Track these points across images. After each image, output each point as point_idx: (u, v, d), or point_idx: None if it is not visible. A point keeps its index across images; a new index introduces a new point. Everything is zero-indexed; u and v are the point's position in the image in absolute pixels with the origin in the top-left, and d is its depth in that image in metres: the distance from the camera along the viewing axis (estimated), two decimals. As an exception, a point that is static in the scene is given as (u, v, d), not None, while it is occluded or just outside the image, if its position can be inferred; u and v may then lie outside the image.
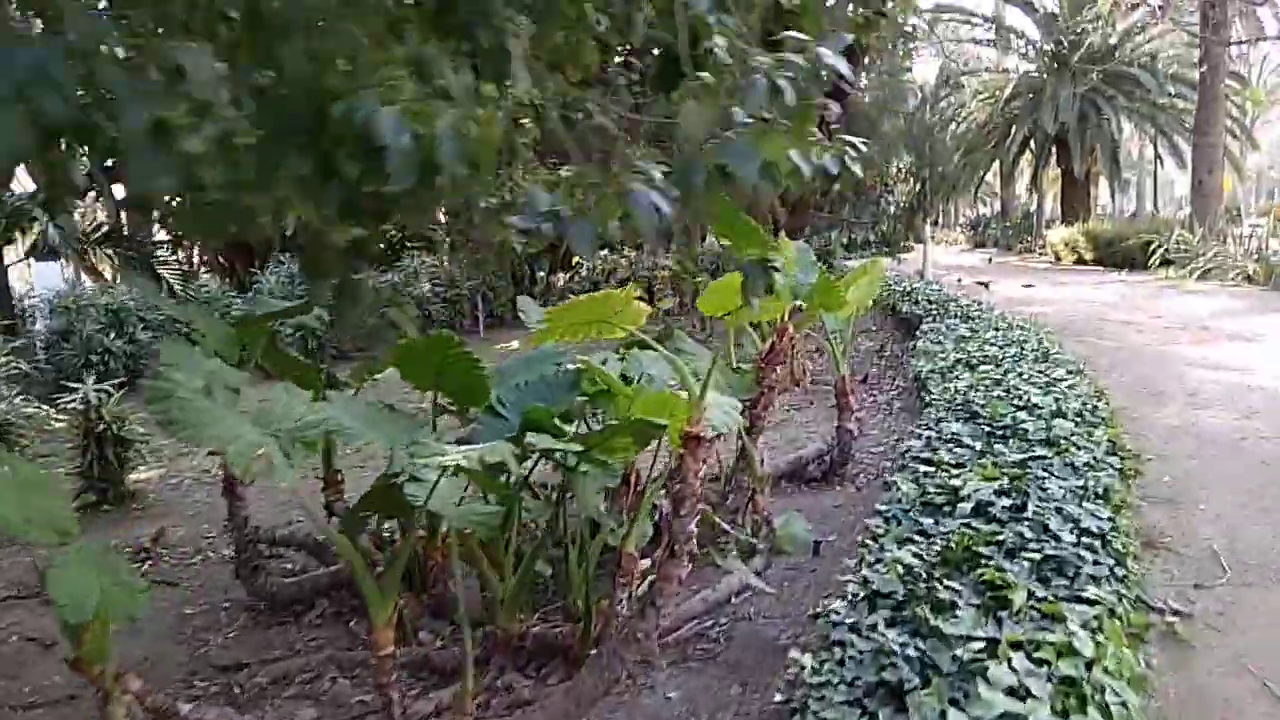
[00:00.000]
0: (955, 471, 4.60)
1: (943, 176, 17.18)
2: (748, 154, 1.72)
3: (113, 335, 14.71)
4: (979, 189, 37.23)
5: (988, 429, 5.39)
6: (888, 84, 14.52)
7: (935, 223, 49.11)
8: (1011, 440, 5.04)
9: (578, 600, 4.36)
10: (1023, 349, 8.08)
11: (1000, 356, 7.82)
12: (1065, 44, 30.38)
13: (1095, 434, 5.19)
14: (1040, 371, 6.97)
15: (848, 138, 2.37)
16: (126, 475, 8.29)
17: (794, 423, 9.22)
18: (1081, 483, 4.21)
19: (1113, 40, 30.21)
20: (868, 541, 3.98)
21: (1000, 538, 3.59)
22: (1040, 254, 30.54)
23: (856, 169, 2.43)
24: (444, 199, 1.25)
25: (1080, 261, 25.84)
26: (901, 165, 19.61)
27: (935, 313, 12.34)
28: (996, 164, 35.32)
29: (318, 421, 3.26)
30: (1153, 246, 21.27)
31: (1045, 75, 30.92)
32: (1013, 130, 31.60)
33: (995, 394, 6.21)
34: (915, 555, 3.62)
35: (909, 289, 15.60)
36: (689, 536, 3.40)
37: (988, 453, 4.88)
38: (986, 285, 19.43)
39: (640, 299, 4.12)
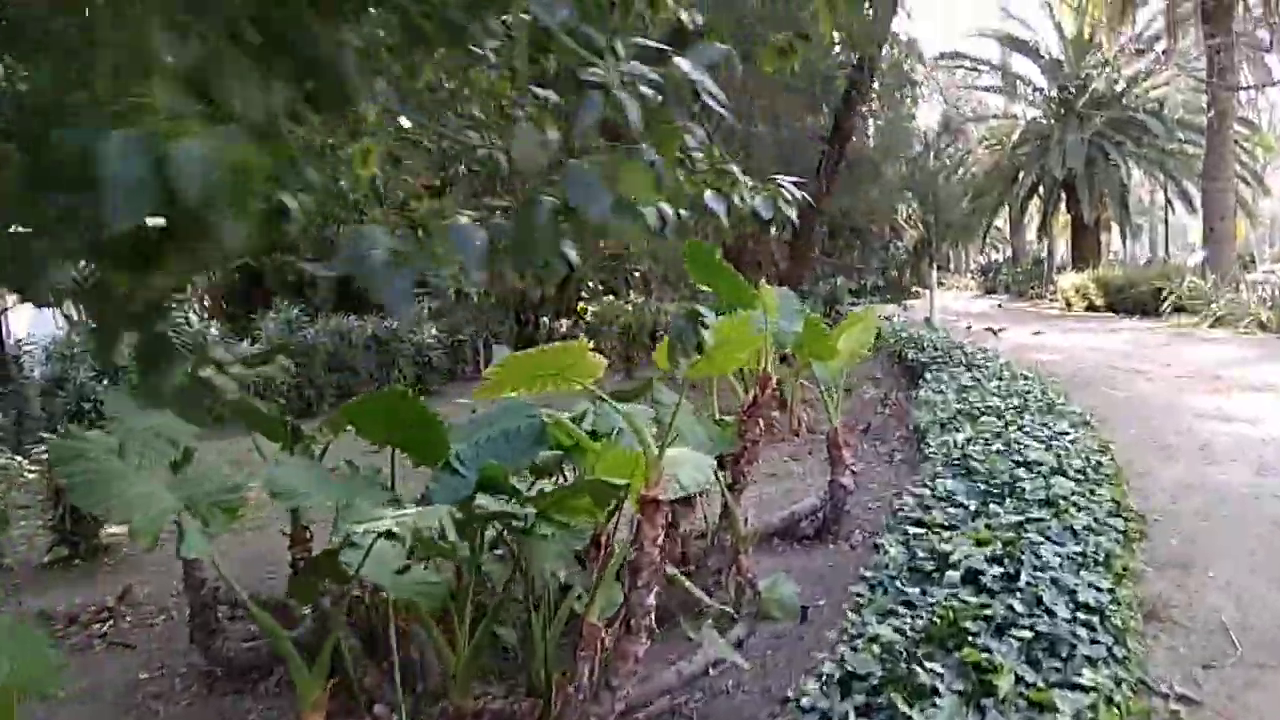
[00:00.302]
0: (947, 534, 4.31)
1: (948, 223, 17.00)
2: (594, 187, 1.46)
3: (106, 382, 14.54)
4: (987, 235, 37.07)
5: (984, 486, 5.10)
6: (890, 129, 14.39)
7: (945, 268, 48.99)
8: (1008, 500, 4.76)
9: (540, 672, 4.07)
10: (1026, 400, 7.80)
11: (1003, 408, 7.54)
12: (1071, 90, 30.36)
13: (1098, 493, 4.90)
14: (1043, 424, 6.69)
15: (782, 179, 2.13)
16: (100, 529, 8.04)
17: (792, 475, 8.92)
18: (1080, 548, 3.92)
19: (1119, 86, 30.18)
20: (849, 614, 3.69)
21: (989, 612, 3.29)
22: (1051, 300, 30.25)
23: (791, 213, 2.19)
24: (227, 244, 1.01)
25: (1091, 308, 25.52)
26: (908, 211, 19.49)
27: (940, 360, 12.09)
28: (1006, 210, 35.19)
29: (241, 485, 3.01)
30: (1164, 293, 20.97)
31: (1052, 121, 30.88)
32: (1020, 176, 31.49)
33: (995, 448, 5.92)
34: (897, 630, 3.33)
35: (915, 335, 15.35)
36: (647, 610, 3.13)
37: (982, 513, 4.59)
38: (995, 332, 19.15)
39: (595, 352, 3.86)
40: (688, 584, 4.04)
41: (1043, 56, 31.16)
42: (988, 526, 4.31)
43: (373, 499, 4.08)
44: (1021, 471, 5.19)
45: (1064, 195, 31.26)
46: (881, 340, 18.00)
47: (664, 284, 18.63)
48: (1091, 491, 4.91)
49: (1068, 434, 6.34)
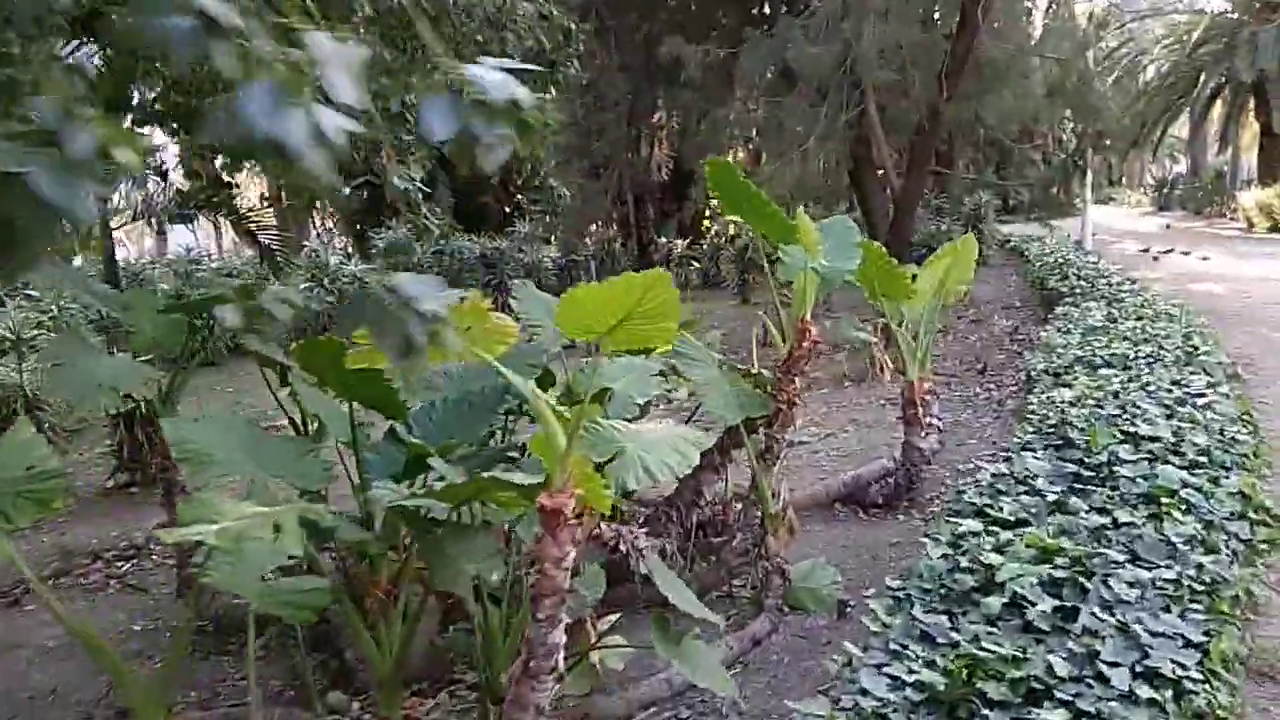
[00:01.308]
0: (1008, 535, 3.41)
1: (1104, 133, 15.07)
2: None
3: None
4: (1160, 146, 33.53)
5: (1075, 467, 4.12)
6: (1030, 25, 12.64)
7: (1114, 183, 44.93)
8: (1098, 490, 3.78)
9: (497, 677, 3.45)
10: (1162, 346, 6.58)
11: (1131, 356, 6.36)
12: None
13: (1222, 483, 3.85)
14: (1175, 381, 5.53)
15: (484, 66, 1.29)
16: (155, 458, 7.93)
17: (883, 423, 7.97)
18: (1175, 573, 2.96)
19: (1329, -27, 26.26)
20: (847, 646, 2.90)
21: (1020, 671, 2.44)
22: (1231, 219, 27.18)
23: (492, 133, 1.36)
24: None
25: (1276, 229, 22.72)
26: (1061, 119, 17.48)
27: (1080, 291, 10.72)
28: (1186, 117, 31.67)
29: (56, 470, 2.45)
30: (1366, 213, 18.29)
31: (1242, 16, 27.25)
32: (1202, 78, 28.07)
33: (1105, 412, 4.87)
34: (894, 684, 2.53)
35: (1060, 261, 13.81)
36: (550, 650, 2.43)
37: (1060, 508, 3.65)
38: (1156, 257, 17.19)
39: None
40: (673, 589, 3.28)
41: (1235, -61, 27.38)
42: (1061, 530, 3.39)
43: (302, 473, 3.52)
44: (1126, 449, 4.17)
45: (1253, 100, 27.75)
46: (1026, 265, 16.43)
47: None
48: (1214, 480, 3.86)
49: (1203, 395, 5.19)
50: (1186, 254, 16.99)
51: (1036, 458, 4.38)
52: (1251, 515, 3.69)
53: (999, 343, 11.90)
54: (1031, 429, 4.99)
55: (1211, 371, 6.05)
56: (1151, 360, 6.24)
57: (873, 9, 8.80)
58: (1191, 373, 5.85)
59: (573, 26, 5.53)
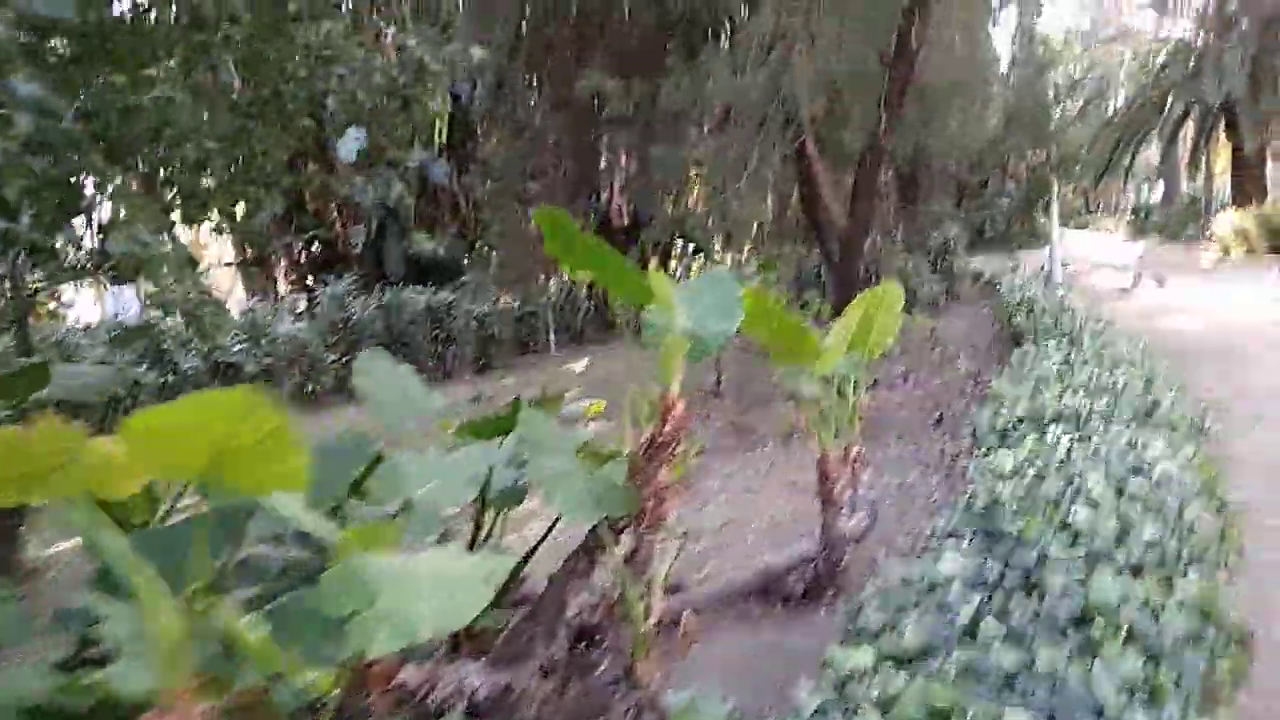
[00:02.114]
0: (901, 681, 2.66)
1: (1064, 161, 14.50)
2: None
3: (145, 367, 13.98)
4: (1130, 172, 33.15)
5: (1002, 567, 3.38)
6: (976, 51, 12.05)
7: (1091, 211, 44.59)
8: (1022, 607, 3.02)
9: None
10: (1119, 398, 5.85)
11: (1085, 410, 5.64)
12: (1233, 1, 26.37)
13: (1177, 589, 3.10)
14: (1131, 442, 4.80)
15: None
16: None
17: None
18: (1102, 746, 2.20)
19: (1291, -6, 26.00)
20: None
21: None
22: (1207, 245, 26.65)
23: None
24: None
25: (1253, 253, 22.20)
26: (1027, 148, 16.95)
27: (1044, 329, 10.04)
28: (1156, 143, 31.27)
29: None
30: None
31: (1208, 38, 26.96)
32: (1169, 103, 27.71)
33: (1045, 491, 4.13)
34: None
35: (1025, 297, 13.16)
36: None
37: (973, 633, 2.89)
38: (1125, 289, 16.60)
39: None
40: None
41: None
42: (967, 669, 2.64)
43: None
44: (1059, 544, 3.42)
45: (1224, 124, 27.38)
46: (997, 300, 15.76)
47: (727, 243, 16.79)
48: (1163, 588, 3.12)
49: (1161, 458, 4.45)
50: (1158, 284, 16.37)
51: (957, 552, 3.64)
52: (1211, 636, 2.94)
53: (962, 388, 11.19)
54: (959, 514, 4.25)
55: (1176, 425, 5.34)
56: (1108, 414, 5.52)
57: (800, 39, 8.17)
58: (1151, 432, 5.13)
59: (426, 58, 4.84)
